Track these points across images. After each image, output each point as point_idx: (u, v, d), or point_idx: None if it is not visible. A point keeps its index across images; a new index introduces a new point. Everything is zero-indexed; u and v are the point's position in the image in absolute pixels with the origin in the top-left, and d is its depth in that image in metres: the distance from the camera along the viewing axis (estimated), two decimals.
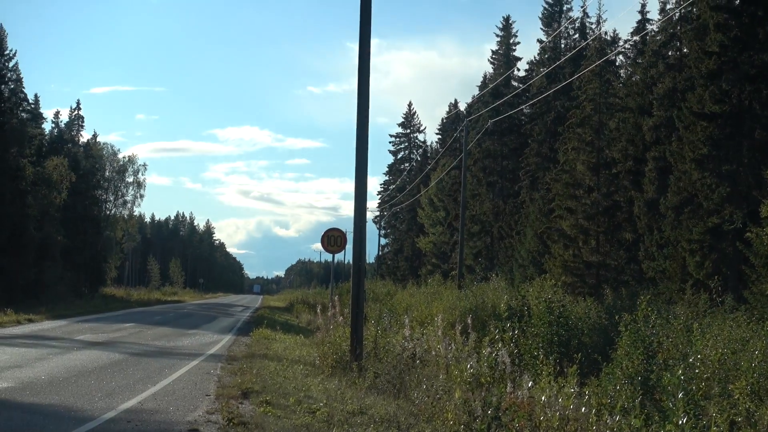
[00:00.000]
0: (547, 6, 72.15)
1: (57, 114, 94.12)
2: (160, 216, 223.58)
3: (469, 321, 23.26)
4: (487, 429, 13.42)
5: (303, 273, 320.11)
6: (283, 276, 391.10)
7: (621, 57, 61.25)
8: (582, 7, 68.83)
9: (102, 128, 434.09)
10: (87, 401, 16.21)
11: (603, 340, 22.86)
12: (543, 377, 16.51)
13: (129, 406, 15.88)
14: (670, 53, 47.57)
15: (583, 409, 14.32)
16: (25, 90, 73.94)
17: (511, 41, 79.34)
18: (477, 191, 73.75)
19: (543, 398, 14.82)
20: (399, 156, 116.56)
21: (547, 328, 22.03)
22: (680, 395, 12.33)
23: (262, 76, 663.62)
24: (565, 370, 17.34)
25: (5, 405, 15.54)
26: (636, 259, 42.06)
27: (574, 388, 15.45)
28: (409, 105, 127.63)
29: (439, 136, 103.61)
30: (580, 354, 19.40)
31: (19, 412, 14.87)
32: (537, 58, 72.10)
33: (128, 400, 16.53)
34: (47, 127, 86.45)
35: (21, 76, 70.50)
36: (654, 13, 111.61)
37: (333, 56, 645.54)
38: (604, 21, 76.15)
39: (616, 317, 19.43)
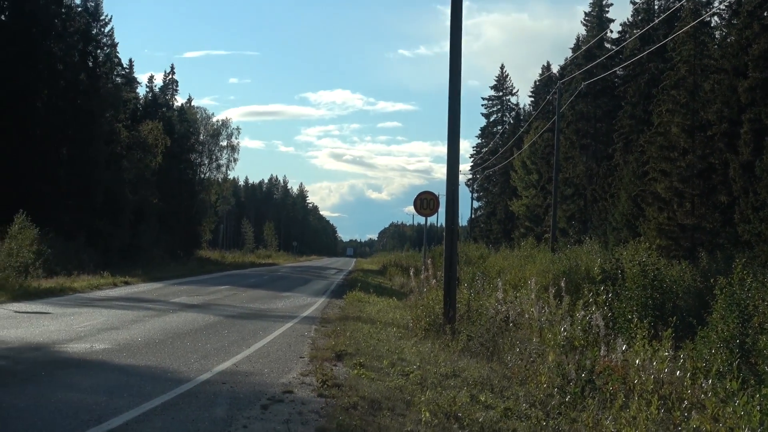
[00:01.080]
0: None
1: (151, 78, 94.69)
2: (254, 179, 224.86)
3: (563, 284, 23.21)
4: (581, 392, 13.40)
5: (396, 236, 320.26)
6: (375, 239, 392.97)
7: (716, 18, 60.27)
8: None
9: (195, 92, 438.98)
10: (183, 363, 16.37)
11: (698, 304, 22.69)
12: (637, 341, 16.45)
13: (224, 368, 16.00)
14: (765, 14, 46.66)
15: (678, 372, 14.25)
16: (119, 55, 74.63)
17: (604, 3, 78.67)
18: (570, 154, 73.30)
19: (637, 362, 14.77)
20: (491, 119, 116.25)
21: (641, 291, 21.90)
22: None
23: (354, 40, 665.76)
24: (660, 333, 17.26)
25: (103, 366, 15.74)
26: (731, 222, 41.50)
27: (668, 352, 15.39)
28: (502, 68, 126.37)
29: (532, 99, 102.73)
30: (674, 317, 19.30)
31: (117, 373, 15.06)
32: (630, 19, 71.18)
33: (223, 362, 16.67)
34: (141, 91, 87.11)
35: (116, 41, 71.32)
36: None
37: (423, 19, 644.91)
38: None
39: (712, 280, 19.28)
